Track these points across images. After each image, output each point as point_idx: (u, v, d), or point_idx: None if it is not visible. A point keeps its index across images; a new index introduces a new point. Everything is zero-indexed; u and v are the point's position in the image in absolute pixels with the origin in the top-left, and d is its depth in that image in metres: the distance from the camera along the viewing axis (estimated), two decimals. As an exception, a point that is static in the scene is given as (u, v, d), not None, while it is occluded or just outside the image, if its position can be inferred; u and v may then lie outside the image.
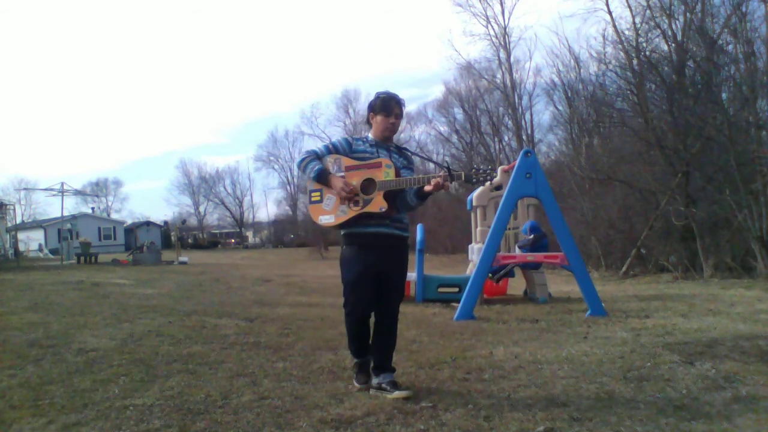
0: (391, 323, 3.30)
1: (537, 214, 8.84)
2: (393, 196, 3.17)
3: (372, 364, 3.32)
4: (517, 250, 8.28)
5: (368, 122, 3.36)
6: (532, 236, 8.08)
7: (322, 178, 3.18)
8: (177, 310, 6.78)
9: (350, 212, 3.15)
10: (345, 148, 3.27)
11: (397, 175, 3.16)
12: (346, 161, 3.22)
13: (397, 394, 3.08)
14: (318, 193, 3.25)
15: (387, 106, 3.25)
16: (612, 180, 15.29)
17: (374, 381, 3.26)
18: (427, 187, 3.06)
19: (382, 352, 3.29)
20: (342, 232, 3.28)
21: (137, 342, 4.72)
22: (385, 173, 3.13)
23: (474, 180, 3.04)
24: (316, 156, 3.25)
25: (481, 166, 3.07)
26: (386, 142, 3.32)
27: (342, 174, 3.19)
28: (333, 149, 3.27)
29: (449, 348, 4.50)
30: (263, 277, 14.36)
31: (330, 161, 3.23)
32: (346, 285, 3.25)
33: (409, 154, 3.43)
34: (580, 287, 6.46)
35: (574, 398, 3.08)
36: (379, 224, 3.18)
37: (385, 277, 3.22)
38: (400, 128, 3.45)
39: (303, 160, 3.26)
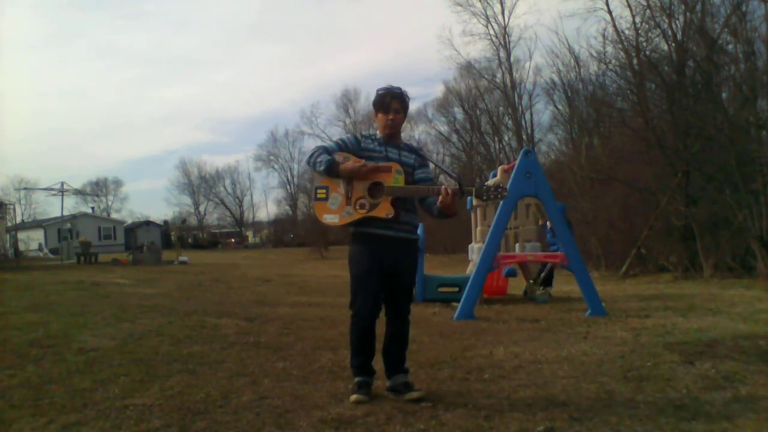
0: (402, 324, 3.22)
1: (537, 214, 8.83)
2: (401, 201, 3.11)
3: (384, 367, 3.23)
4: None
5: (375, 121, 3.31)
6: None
7: (332, 170, 3.07)
8: (177, 310, 6.78)
9: (355, 214, 3.09)
10: (354, 145, 3.19)
11: (407, 182, 3.10)
12: (355, 160, 3.13)
13: (409, 395, 3.04)
14: (324, 191, 3.17)
15: (383, 102, 3.17)
16: (612, 180, 15.29)
17: (387, 383, 3.20)
18: (444, 210, 2.99)
19: (395, 354, 3.21)
20: (351, 230, 3.20)
21: (137, 342, 4.72)
22: (395, 179, 3.07)
23: (484, 197, 3.01)
24: (326, 151, 3.14)
25: (492, 186, 3.03)
26: (393, 139, 3.23)
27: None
28: (343, 146, 3.18)
29: (449, 348, 4.50)
30: (263, 276, 14.37)
31: (339, 159, 3.12)
32: (353, 280, 3.16)
33: (423, 153, 3.33)
34: (580, 287, 6.46)
35: (574, 398, 3.08)
36: (386, 227, 3.09)
37: (394, 277, 3.14)
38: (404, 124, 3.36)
39: (313, 154, 3.15)
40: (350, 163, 3.09)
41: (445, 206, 2.99)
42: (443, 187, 3.01)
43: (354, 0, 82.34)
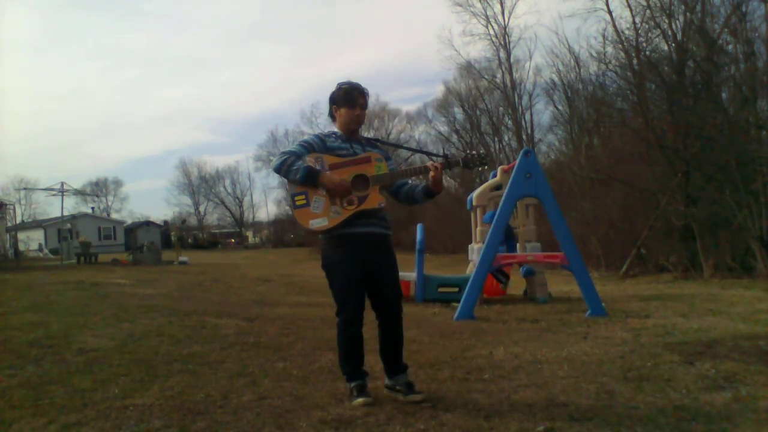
0: (396, 323, 3.17)
1: (537, 214, 8.83)
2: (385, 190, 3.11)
3: (384, 367, 3.20)
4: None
5: (331, 116, 3.20)
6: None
7: (311, 178, 2.94)
8: (177, 310, 6.78)
9: (345, 212, 2.96)
10: (320, 146, 3.06)
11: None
12: (329, 159, 3.02)
13: (410, 397, 3.01)
14: (302, 197, 3.00)
15: (350, 97, 3.09)
16: (612, 180, 15.30)
17: (387, 382, 3.17)
18: (434, 187, 3.04)
19: (393, 353, 3.17)
20: (322, 235, 3.07)
21: (137, 342, 4.72)
22: (377, 167, 3.01)
23: (471, 165, 3.05)
24: (297, 156, 2.98)
25: (475, 152, 3.10)
26: (354, 135, 3.16)
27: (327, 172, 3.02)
28: (309, 148, 3.04)
29: (449, 348, 4.50)
30: (263, 277, 14.37)
31: (311, 161, 2.99)
32: (338, 288, 3.06)
33: (380, 144, 3.29)
34: (580, 287, 6.45)
35: (574, 398, 3.07)
36: (369, 224, 3.02)
37: (380, 277, 3.08)
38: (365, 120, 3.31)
39: (283, 162, 2.98)
40: (330, 176, 2.98)
41: (436, 181, 3.02)
42: (430, 163, 3.02)
43: (354, 0, 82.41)
